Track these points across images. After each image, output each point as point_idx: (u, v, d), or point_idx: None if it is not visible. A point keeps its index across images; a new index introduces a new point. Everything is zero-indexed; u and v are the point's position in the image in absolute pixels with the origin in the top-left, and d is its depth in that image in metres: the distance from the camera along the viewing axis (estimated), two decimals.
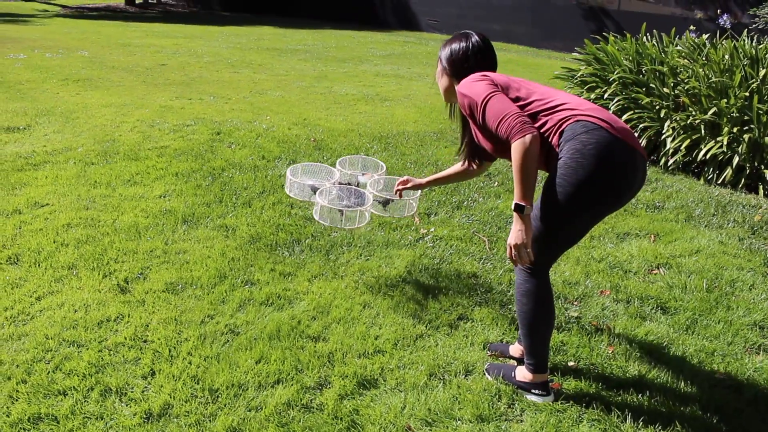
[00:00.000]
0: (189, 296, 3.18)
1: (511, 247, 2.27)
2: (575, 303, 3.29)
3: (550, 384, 2.55)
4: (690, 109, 5.53)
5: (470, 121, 2.51)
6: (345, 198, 3.19)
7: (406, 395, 2.52)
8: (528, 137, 2.14)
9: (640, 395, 2.57)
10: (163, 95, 7.94)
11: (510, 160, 2.25)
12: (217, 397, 2.48)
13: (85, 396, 2.45)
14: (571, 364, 2.76)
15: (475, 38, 2.54)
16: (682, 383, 2.67)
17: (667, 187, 5.18)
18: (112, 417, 2.35)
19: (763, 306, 3.32)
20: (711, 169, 5.38)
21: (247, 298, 3.17)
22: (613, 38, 6.70)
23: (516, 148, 2.16)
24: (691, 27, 7.15)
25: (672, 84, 5.75)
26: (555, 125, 2.26)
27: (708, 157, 5.33)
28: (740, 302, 3.36)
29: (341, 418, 2.39)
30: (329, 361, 2.72)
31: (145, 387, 2.52)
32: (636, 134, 5.88)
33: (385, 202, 3.23)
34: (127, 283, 3.28)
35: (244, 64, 11.13)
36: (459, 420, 2.40)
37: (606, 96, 6.19)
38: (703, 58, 5.78)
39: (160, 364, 2.64)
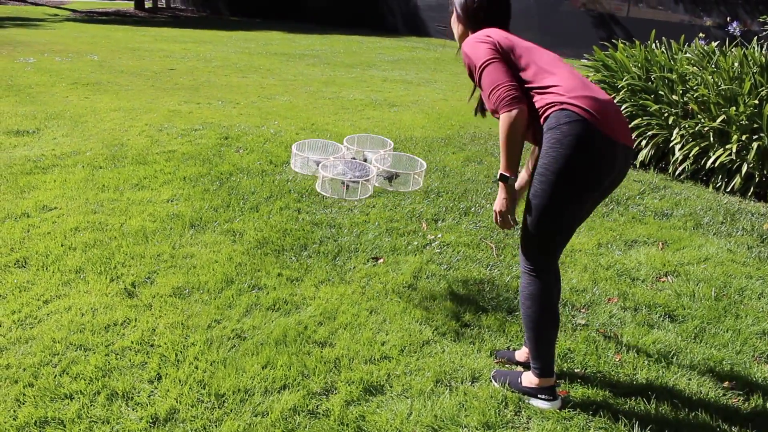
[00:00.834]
0: (196, 301, 3.18)
1: (496, 213, 2.44)
2: (583, 310, 3.28)
3: (558, 390, 2.54)
4: (699, 116, 5.52)
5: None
6: (350, 172, 3.16)
7: (413, 402, 2.52)
8: (514, 112, 2.23)
9: (647, 403, 2.55)
10: (172, 99, 7.97)
11: (524, 108, 2.29)
12: (224, 402, 2.48)
13: (91, 400, 2.45)
14: (578, 371, 2.75)
15: None
16: (690, 392, 2.66)
17: (675, 194, 5.16)
18: (119, 421, 2.35)
19: None
20: (720, 176, 5.36)
21: (253, 303, 3.17)
22: (621, 45, 6.68)
23: (502, 121, 2.25)
24: (700, 34, 7.12)
25: (681, 91, 5.73)
26: (542, 107, 2.29)
27: (717, 164, 5.31)
28: (749, 311, 3.34)
29: (347, 425, 2.38)
30: (335, 367, 2.71)
31: (152, 391, 2.52)
32: (644, 141, 5.87)
33: (391, 177, 3.21)
34: (135, 287, 3.29)
35: (252, 68, 11.16)
36: (465, 427, 2.40)
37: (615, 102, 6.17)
38: (713, 66, 5.76)
39: (167, 369, 2.65)
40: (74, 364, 2.65)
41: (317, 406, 2.48)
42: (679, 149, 5.57)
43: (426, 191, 4.83)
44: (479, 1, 2.52)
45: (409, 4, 21.71)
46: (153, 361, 2.70)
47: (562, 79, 2.31)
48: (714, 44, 6.36)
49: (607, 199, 4.88)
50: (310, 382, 2.61)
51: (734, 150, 5.15)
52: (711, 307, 3.36)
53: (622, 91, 6.15)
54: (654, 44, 6.62)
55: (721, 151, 5.27)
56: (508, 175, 2.33)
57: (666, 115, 5.74)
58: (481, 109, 2.81)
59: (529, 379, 2.54)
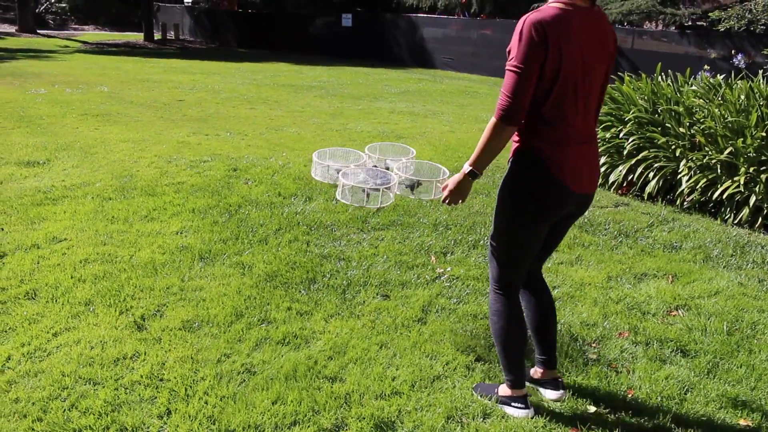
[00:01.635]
0: (205, 334, 3.17)
1: (445, 187, 2.50)
2: (594, 345, 3.26)
3: (529, 398, 2.68)
4: (706, 148, 5.53)
5: None
6: (371, 180, 3.13)
7: None
8: (507, 128, 2.30)
9: None
10: (181, 131, 8.04)
11: (516, 128, 2.36)
12: None
13: None
14: (590, 408, 2.72)
15: None
16: (704, 431, 2.62)
17: (684, 226, 5.15)
18: None
19: None
20: (728, 209, 5.35)
21: (263, 337, 3.16)
22: (628, 78, 6.73)
23: (493, 125, 2.30)
24: (706, 66, 7.18)
25: (687, 124, 5.75)
26: (531, 134, 2.37)
27: (725, 196, 5.31)
28: (762, 345, 3.31)
29: None
30: (346, 403, 2.69)
31: (161, 427, 2.50)
32: (651, 173, 5.87)
33: (413, 185, 3.18)
34: (144, 320, 3.28)
35: (260, 100, 11.27)
36: None
37: (621, 135, 6.20)
38: (719, 99, 5.78)
39: (177, 404, 2.63)
40: (83, 398, 2.64)
41: None
42: (686, 181, 5.57)
43: (435, 224, 4.84)
44: None
45: (415, 36, 21.97)
46: (162, 395, 2.68)
47: (568, 125, 2.35)
48: (720, 77, 6.40)
49: (615, 232, 4.88)
50: (320, 418, 2.58)
51: (742, 182, 5.15)
52: (723, 341, 3.33)
53: (629, 124, 6.17)
54: (660, 76, 6.66)
55: (729, 182, 5.28)
56: (477, 172, 2.42)
57: (673, 147, 5.75)
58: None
59: (503, 389, 2.70)
